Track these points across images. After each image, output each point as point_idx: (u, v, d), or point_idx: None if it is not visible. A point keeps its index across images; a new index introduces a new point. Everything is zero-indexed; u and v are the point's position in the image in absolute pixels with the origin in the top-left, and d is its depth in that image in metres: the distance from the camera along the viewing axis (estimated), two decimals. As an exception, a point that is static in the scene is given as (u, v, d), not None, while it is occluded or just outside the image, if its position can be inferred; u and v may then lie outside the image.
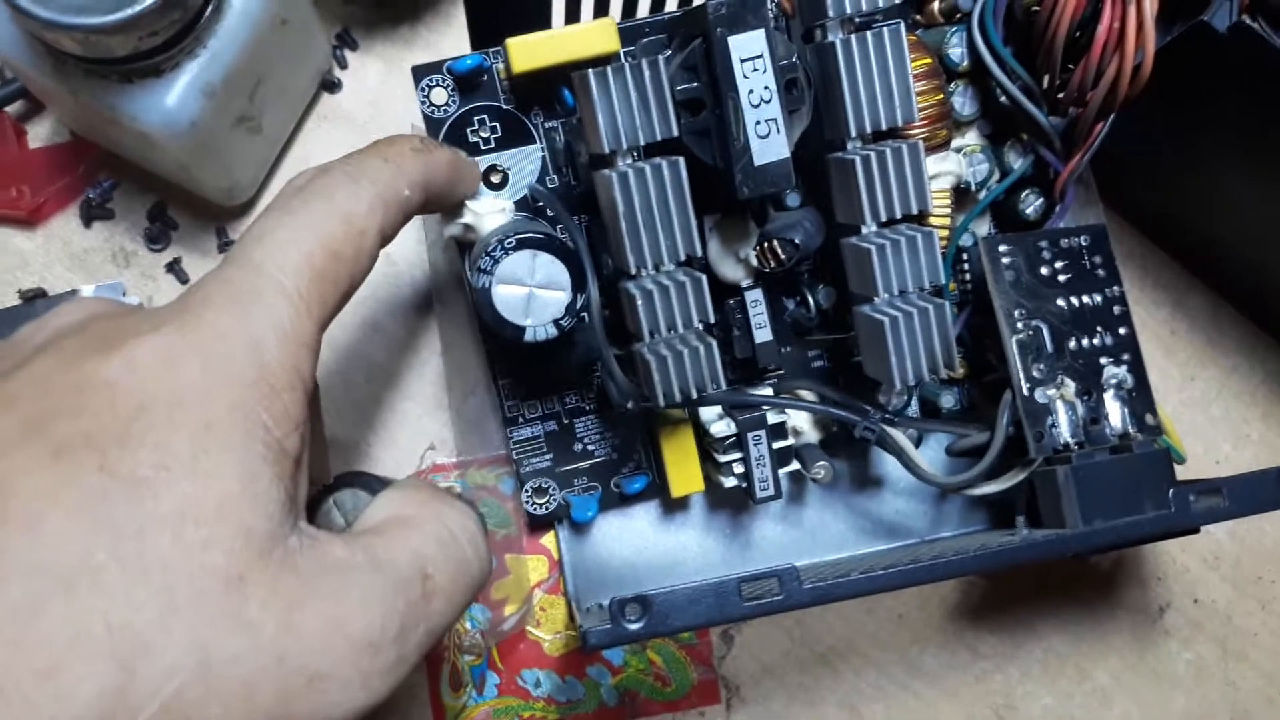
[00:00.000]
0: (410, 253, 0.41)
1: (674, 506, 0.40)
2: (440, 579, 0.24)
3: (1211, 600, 0.43)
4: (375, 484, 0.30)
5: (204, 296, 0.23)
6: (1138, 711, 0.42)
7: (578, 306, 0.32)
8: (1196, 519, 0.31)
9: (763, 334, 0.37)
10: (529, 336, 0.32)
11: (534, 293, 0.32)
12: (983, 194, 0.38)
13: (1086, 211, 0.40)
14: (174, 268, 0.41)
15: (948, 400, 0.39)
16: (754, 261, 0.35)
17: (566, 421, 0.38)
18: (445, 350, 0.40)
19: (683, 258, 0.32)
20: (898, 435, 0.37)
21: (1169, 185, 0.43)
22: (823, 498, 0.41)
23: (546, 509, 0.39)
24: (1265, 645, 0.43)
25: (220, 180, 0.39)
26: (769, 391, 0.38)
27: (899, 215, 0.33)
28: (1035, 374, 0.36)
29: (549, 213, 0.36)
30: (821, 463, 0.37)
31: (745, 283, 0.36)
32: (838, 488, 0.41)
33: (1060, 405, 0.36)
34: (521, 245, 0.32)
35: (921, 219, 0.35)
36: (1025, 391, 0.36)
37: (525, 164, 0.36)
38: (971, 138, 0.38)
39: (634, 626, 0.28)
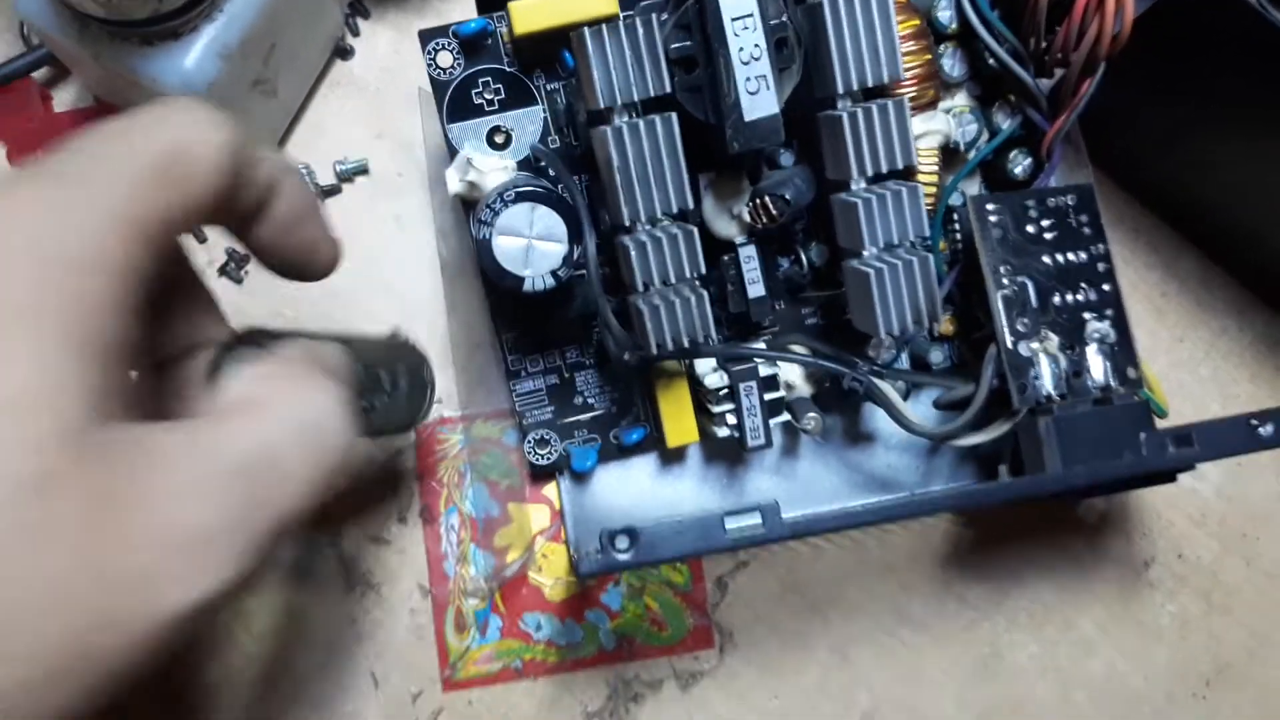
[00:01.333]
0: (418, 214, 0.42)
1: (671, 458, 0.42)
2: (292, 465, 0.22)
3: (1197, 555, 0.44)
4: (265, 342, 0.27)
5: (26, 174, 0.21)
6: (1121, 661, 0.43)
7: (574, 258, 0.34)
8: (1168, 463, 0.32)
9: (756, 289, 0.38)
10: (528, 286, 0.34)
11: (532, 244, 0.33)
12: (971, 154, 0.39)
13: (1076, 173, 0.41)
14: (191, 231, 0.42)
15: (937, 356, 0.41)
16: (747, 218, 0.36)
17: (567, 375, 0.40)
18: (451, 309, 0.41)
19: (675, 211, 0.33)
20: (886, 387, 0.38)
21: (1159, 149, 0.44)
22: (815, 451, 0.42)
23: (548, 459, 0.40)
24: (1248, 600, 0.44)
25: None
26: (762, 346, 0.39)
27: (885, 170, 0.34)
28: (1019, 328, 0.37)
29: (550, 172, 0.38)
30: (811, 414, 0.38)
31: (739, 239, 0.38)
32: (830, 442, 0.42)
33: (1043, 358, 0.37)
34: (520, 198, 0.33)
35: (909, 175, 0.36)
36: (1009, 345, 0.37)
37: (528, 125, 0.38)
38: (961, 99, 0.39)
39: (623, 556, 0.30)
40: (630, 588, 0.42)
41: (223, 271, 0.42)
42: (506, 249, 0.33)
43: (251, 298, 0.42)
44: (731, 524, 0.30)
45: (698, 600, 0.42)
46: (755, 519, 0.31)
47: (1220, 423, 0.32)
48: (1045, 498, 0.36)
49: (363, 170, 0.43)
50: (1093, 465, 0.31)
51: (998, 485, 0.32)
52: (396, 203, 0.43)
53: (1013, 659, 0.43)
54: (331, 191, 0.43)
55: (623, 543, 0.30)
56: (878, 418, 0.42)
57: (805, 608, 0.42)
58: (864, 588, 0.42)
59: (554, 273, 0.34)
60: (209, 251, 0.43)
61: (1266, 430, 0.32)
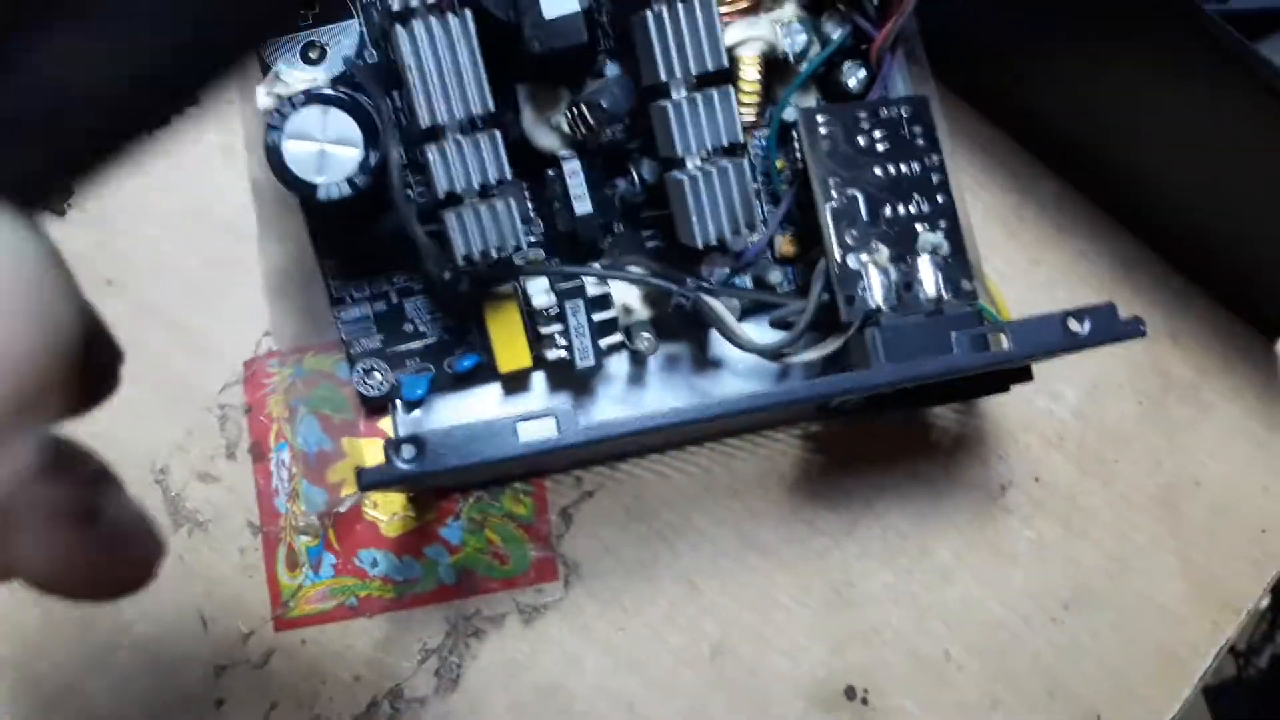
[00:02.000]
0: (238, 139, 0.41)
1: (514, 389, 0.41)
2: None
3: (1054, 479, 0.43)
4: None
5: None
6: (978, 587, 0.42)
7: (372, 164, 0.33)
8: (985, 361, 0.31)
9: (582, 205, 0.37)
10: (322, 195, 0.32)
11: (325, 150, 0.32)
12: (802, 66, 0.38)
13: (921, 90, 0.40)
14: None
15: (776, 277, 0.40)
16: (566, 128, 0.35)
17: (396, 301, 0.39)
18: (275, 237, 0.40)
19: (476, 111, 0.32)
20: (716, 305, 0.37)
21: (1013, 71, 0.43)
22: (663, 380, 0.41)
23: (379, 390, 0.39)
24: (1106, 523, 0.43)
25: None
26: (597, 268, 0.38)
27: (695, 71, 0.33)
28: (848, 240, 0.36)
29: (365, 90, 0.36)
30: (645, 334, 0.37)
31: (563, 153, 0.36)
32: (678, 369, 0.41)
33: (873, 270, 0.36)
34: (310, 100, 0.32)
35: (727, 82, 0.35)
36: (838, 258, 0.36)
37: (343, 39, 0.36)
38: (789, 9, 0.38)
39: (406, 465, 0.28)
40: (471, 521, 0.41)
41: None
42: (298, 155, 0.32)
43: (76, 228, 0.41)
44: (525, 429, 0.29)
45: (541, 532, 0.41)
46: (550, 424, 0.29)
47: (1036, 320, 0.31)
48: (868, 407, 0.35)
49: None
50: (905, 364, 0.31)
51: (806, 384, 0.31)
52: (225, 133, 0.42)
53: (865, 586, 0.42)
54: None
55: (408, 452, 0.29)
56: (724, 344, 0.41)
57: (652, 536, 0.41)
58: (711, 515, 0.41)
59: (350, 180, 0.32)
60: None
61: (1082, 327, 0.31)
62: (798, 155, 0.39)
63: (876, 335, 0.35)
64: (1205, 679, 0.43)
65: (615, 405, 0.41)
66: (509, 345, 0.38)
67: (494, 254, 0.33)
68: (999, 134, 0.45)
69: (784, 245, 0.40)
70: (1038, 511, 0.43)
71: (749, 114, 0.37)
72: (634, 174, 0.38)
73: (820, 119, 0.37)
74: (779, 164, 0.39)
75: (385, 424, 0.40)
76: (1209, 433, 0.44)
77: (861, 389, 0.31)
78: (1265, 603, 1.29)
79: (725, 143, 0.33)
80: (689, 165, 0.34)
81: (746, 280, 0.40)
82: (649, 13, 0.32)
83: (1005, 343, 0.31)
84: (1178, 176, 0.42)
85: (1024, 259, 0.44)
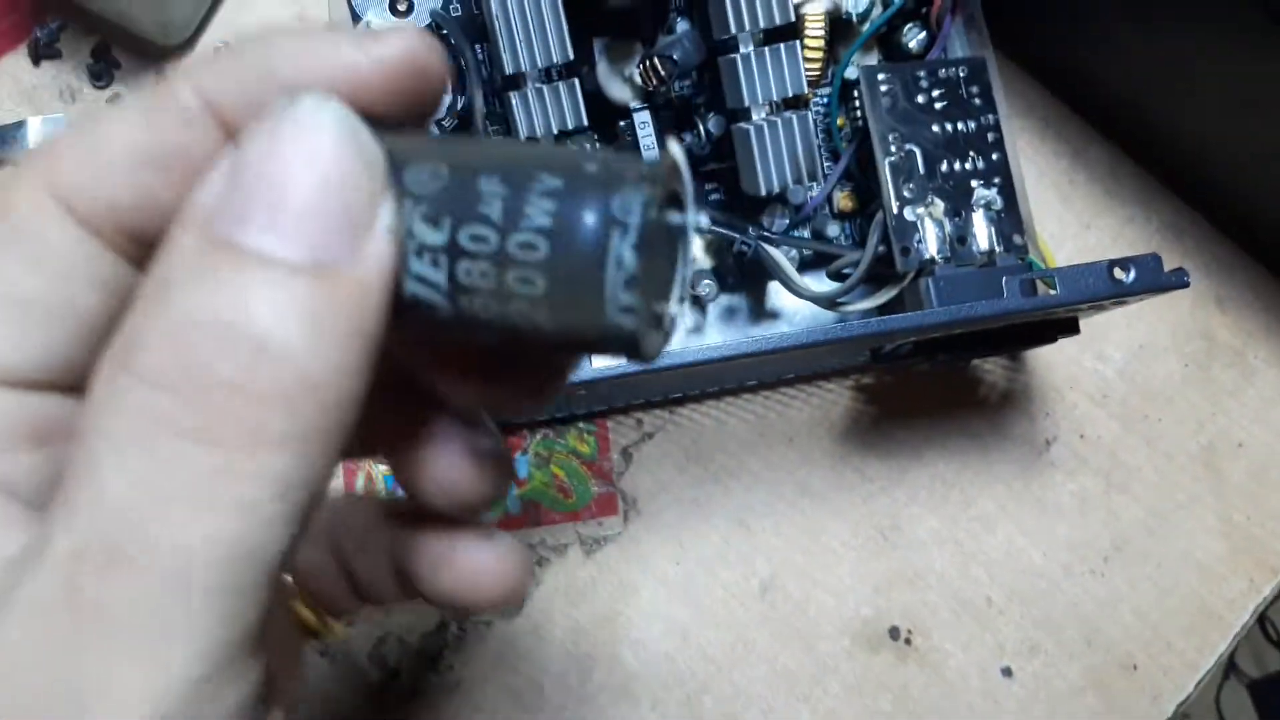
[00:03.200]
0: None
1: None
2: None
3: (1098, 436, 0.45)
4: None
5: None
6: (1020, 537, 0.44)
7: (459, 108, 0.35)
8: (1033, 306, 0.33)
9: (650, 155, 0.39)
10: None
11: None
12: (865, 26, 0.40)
13: (979, 54, 0.42)
14: (117, 104, 0.44)
15: (833, 231, 0.42)
16: (638, 79, 0.37)
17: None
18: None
19: (556, 60, 0.34)
20: (776, 254, 0.39)
21: (1068, 36, 0.44)
22: (721, 329, 0.43)
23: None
24: (1147, 480, 0.45)
25: (156, 15, 0.42)
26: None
27: (764, 25, 0.35)
28: (905, 193, 0.38)
29: (451, 40, 0.39)
30: (706, 281, 0.39)
31: (634, 104, 0.39)
32: (736, 319, 0.43)
33: (928, 223, 0.38)
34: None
35: (793, 37, 0.36)
36: (894, 210, 0.38)
37: (431, -8, 0.39)
38: (854, -29, 0.39)
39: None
40: (537, 457, 0.43)
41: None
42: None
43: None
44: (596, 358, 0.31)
45: (603, 470, 0.43)
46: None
47: (1084, 267, 0.33)
48: (919, 353, 0.37)
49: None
50: (957, 306, 0.32)
51: (863, 322, 0.33)
52: (315, 83, 0.44)
53: (911, 532, 0.44)
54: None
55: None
56: (782, 296, 0.43)
57: (707, 478, 0.43)
58: (765, 459, 0.43)
59: (438, 122, 0.35)
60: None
61: (1127, 275, 0.33)
62: (858, 112, 0.41)
63: (930, 284, 0.37)
64: (1241, 634, 0.44)
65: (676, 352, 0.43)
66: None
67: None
68: (1052, 99, 0.46)
69: (842, 201, 0.41)
70: (1081, 466, 0.45)
71: (813, 70, 0.39)
72: (700, 128, 0.40)
73: (881, 77, 0.38)
74: (840, 121, 0.41)
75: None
76: (1252, 397, 0.46)
77: (915, 329, 0.33)
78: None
79: (790, 94, 0.35)
80: (755, 116, 0.36)
81: (805, 234, 0.42)
82: (722, -30, 0.34)
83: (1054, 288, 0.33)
84: (1228, 143, 0.43)
85: (1075, 223, 0.46)
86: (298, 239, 0.15)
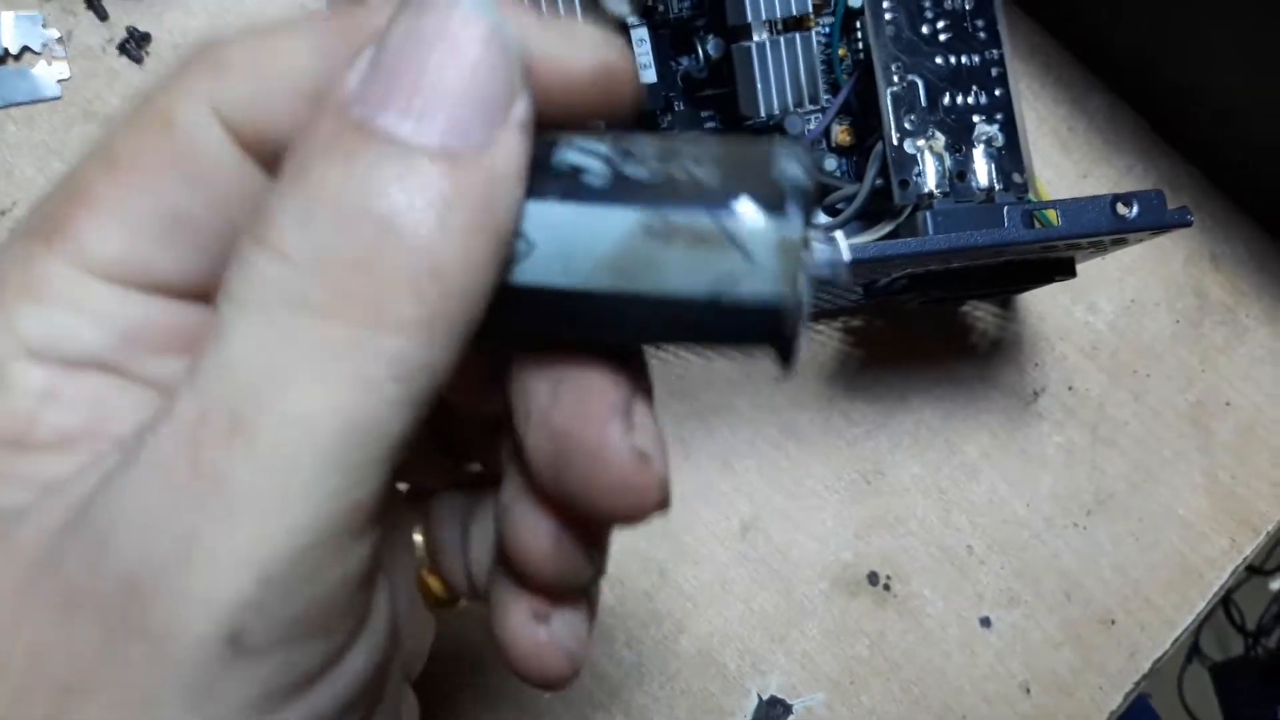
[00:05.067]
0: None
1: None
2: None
3: (1086, 388, 0.44)
4: None
5: None
6: (1005, 486, 0.43)
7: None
8: (1027, 237, 0.32)
9: (648, 74, 0.38)
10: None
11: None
12: (872, -48, 0.39)
13: (984, -7, 0.41)
14: (93, 3, 0.42)
15: (831, 165, 0.41)
16: (637, -6, 0.36)
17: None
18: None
19: (555, -33, 0.33)
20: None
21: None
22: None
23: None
24: (1134, 434, 0.44)
25: (136, -87, 0.40)
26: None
27: (769, -60, 0.34)
28: (906, 125, 0.37)
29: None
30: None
31: (631, 20, 0.37)
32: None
33: (928, 156, 0.37)
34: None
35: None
36: (894, 141, 0.37)
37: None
38: (863, -104, 0.38)
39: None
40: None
41: (123, 50, 0.42)
42: None
43: (154, 78, 0.42)
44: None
45: (584, 402, 0.42)
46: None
47: (1086, 200, 0.32)
48: (913, 288, 0.36)
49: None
50: (957, 234, 0.32)
51: (859, 245, 0.32)
52: (302, -7, 0.43)
53: (895, 478, 0.43)
54: (236, -23, 0.42)
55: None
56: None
57: (691, 416, 0.42)
58: (750, 399, 0.43)
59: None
60: (110, 29, 0.42)
61: (1130, 210, 0.32)
62: (860, 43, 0.40)
63: (928, 218, 0.36)
64: (1220, 593, 0.44)
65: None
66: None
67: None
68: (1055, 44, 0.45)
69: (840, 135, 0.41)
70: (1068, 418, 0.44)
71: (817, -7, 0.38)
72: (699, 50, 0.39)
73: (886, 4, 0.37)
74: (841, 52, 0.40)
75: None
76: (1243, 356, 0.45)
77: (913, 256, 0.32)
78: (1278, 584, 1.29)
79: (793, 13, 0.34)
80: (756, 35, 0.35)
81: (800, 167, 0.41)
82: (729, -121, 0.33)
83: (1058, 219, 0.32)
84: (1230, 98, 0.42)
85: (1073, 171, 0.45)
86: (433, 124, 0.15)
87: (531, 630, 0.20)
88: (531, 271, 0.16)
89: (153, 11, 0.42)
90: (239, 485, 0.14)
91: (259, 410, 0.14)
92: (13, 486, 0.16)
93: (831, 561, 0.42)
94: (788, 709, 0.41)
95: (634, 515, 0.18)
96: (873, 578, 0.43)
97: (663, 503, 0.18)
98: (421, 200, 0.14)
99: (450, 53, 0.15)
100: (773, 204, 0.16)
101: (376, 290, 0.14)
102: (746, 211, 0.16)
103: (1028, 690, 0.42)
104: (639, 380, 0.19)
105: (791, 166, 0.16)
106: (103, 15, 0.42)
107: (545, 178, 0.16)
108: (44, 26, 0.42)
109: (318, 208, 0.14)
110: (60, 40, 0.42)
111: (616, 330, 0.17)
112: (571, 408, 0.18)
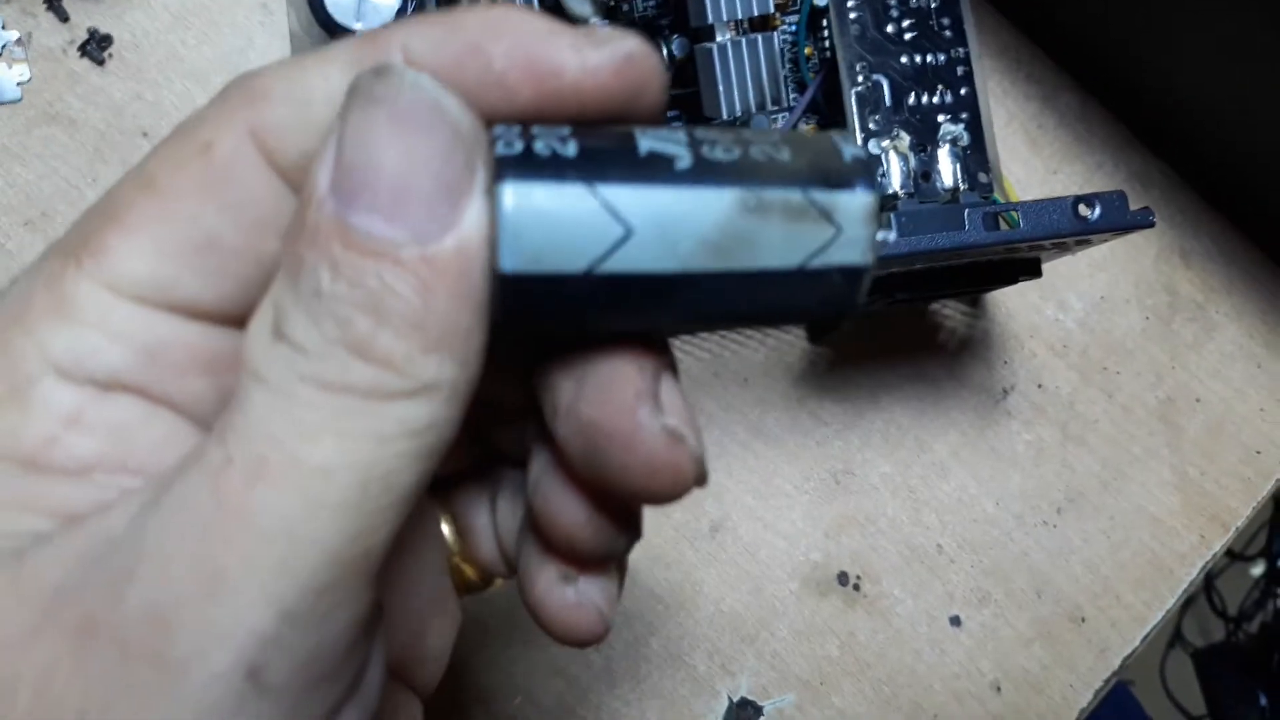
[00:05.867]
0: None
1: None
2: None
3: (1056, 386, 0.44)
4: None
5: None
6: (975, 485, 0.43)
7: (409, 12, 0.33)
8: (988, 239, 0.32)
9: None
10: (359, 40, 0.33)
11: (365, -5, 0.33)
12: (836, -49, 0.38)
13: (951, -10, 0.41)
14: (54, 5, 0.42)
15: (798, 164, 0.40)
16: (598, -5, 0.36)
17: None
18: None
19: (512, -32, 0.33)
20: (737, 183, 0.38)
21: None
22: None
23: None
24: (1104, 432, 0.44)
25: (94, -87, 0.40)
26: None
27: (730, -59, 0.34)
28: (871, 125, 0.37)
29: (406, -54, 0.37)
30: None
31: (595, 20, 0.37)
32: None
33: (893, 156, 0.37)
34: (353, -55, 0.33)
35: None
36: (859, 142, 0.37)
37: (386, -102, 0.37)
38: (828, -107, 0.38)
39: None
40: (485, 388, 0.42)
41: (84, 51, 0.42)
42: (338, 1, 0.33)
43: (115, 79, 0.42)
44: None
45: (552, 404, 0.42)
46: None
47: (1048, 202, 0.32)
48: (877, 291, 0.36)
49: (231, -43, 0.42)
50: (918, 238, 0.31)
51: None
52: (265, -8, 0.42)
53: (864, 477, 0.43)
54: (197, -23, 0.42)
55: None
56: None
57: (660, 416, 0.42)
58: (719, 400, 0.42)
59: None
60: (71, 31, 0.42)
61: (1091, 212, 0.32)
62: (826, 42, 0.40)
63: (892, 219, 0.36)
64: (1189, 589, 0.44)
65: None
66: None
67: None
68: (1024, 40, 0.45)
69: (807, 134, 0.40)
70: (1038, 416, 0.44)
71: (780, -7, 0.38)
72: (663, 49, 0.39)
73: (850, 3, 0.37)
74: (807, 51, 0.40)
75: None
76: (1212, 352, 0.45)
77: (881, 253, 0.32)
78: (1259, 570, 1.30)
79: (756, 13, 0.34)
80: (719, 36, 0.35)
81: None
82: (689, -121, 0.33)
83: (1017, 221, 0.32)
84: (1199, 94, 0.42)
85: (1042, 168, 0.45)
86: (402, 219, 0.15)
87: (560, 591, 0.21)
88: (630, 258, 0.16)
89: (114, 13, 0.41)
90: (264, 524, 0.15)
91: (283, 459, 0.15)
92: (31, 513, 0.17)
93: (801, 561, 0.42)
94: (758, 710, 0.41)
95: (673, 494, 0.19)
96: (843, 577, 0.43)
97: (700, 478, 0.19)
98: (404, 287, 0.15)
99: (403, 147, 0.15)
100: (851, 179, 0.17)
101: (378, 368, 0.16)
102: (830, 184, 0.17)
103: (998, 689, 0.43)
104: (664, 360, 0.19)
105: (855, 148, 0.18)
106: (63, 17, 0.42)
107: (634, 164, 0.16)
108: (3, 28, 0.41)
109: (318, 302, 0.15)
110: (20, 42, 0.41)
111: (699, 312, 0.18)
112: (599, 398, 0.18)
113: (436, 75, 0.16)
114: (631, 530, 0.21)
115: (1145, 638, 0.43)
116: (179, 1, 0.42)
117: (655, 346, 0.19)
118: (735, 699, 0.41)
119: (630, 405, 0.18)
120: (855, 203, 0.17)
